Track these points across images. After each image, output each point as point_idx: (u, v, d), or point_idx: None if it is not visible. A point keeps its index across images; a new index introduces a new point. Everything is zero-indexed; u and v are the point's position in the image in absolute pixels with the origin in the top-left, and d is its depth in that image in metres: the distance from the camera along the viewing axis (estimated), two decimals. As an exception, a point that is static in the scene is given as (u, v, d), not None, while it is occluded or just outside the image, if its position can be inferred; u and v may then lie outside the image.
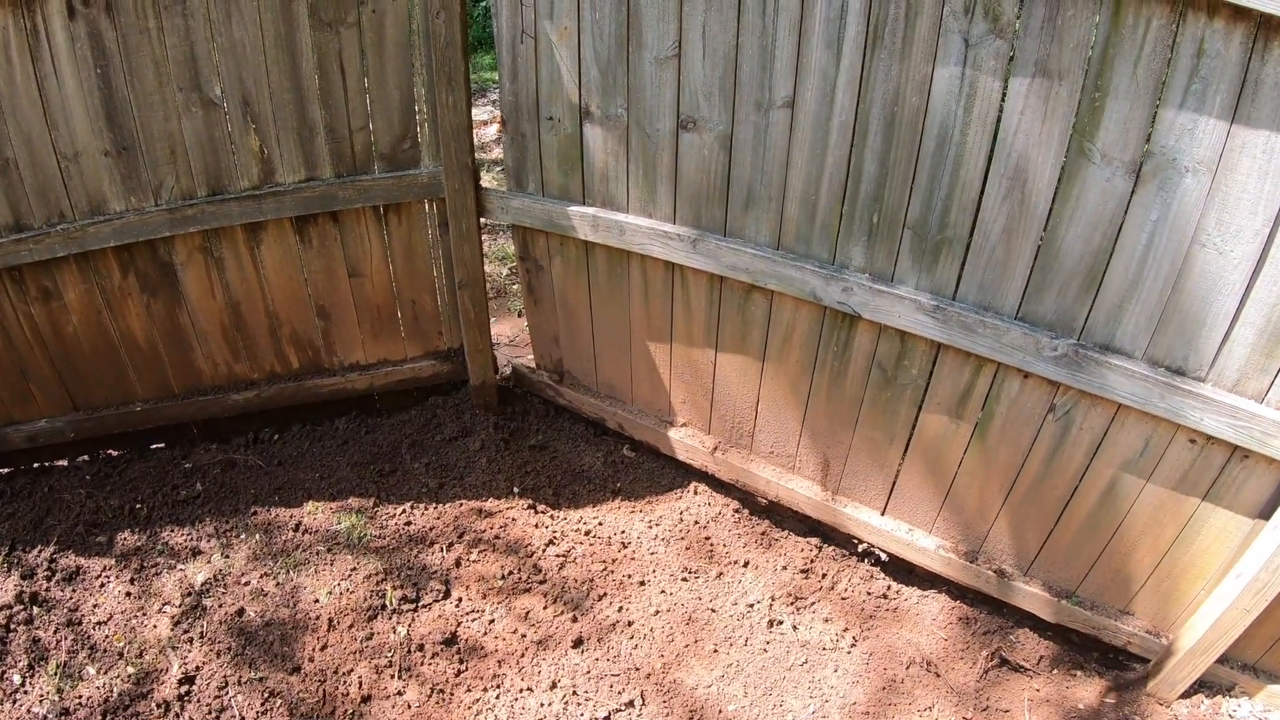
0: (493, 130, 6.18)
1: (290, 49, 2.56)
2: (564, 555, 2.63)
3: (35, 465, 3.17)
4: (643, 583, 2.58)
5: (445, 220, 2.83)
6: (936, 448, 2.44)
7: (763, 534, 2.86)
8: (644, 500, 2.92)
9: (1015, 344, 2.11)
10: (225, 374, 3.05)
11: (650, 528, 2.81)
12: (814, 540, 2.84)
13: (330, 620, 2.40)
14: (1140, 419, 2.08)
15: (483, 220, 2.84)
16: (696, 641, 2.42)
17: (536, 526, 2.73)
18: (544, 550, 2.63)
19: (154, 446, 3.16)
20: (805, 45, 2.10)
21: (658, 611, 2.49)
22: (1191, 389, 1.95)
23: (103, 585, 2.64)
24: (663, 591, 2.56)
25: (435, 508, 2.77)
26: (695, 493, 2.95)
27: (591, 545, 2.70)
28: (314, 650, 2.34)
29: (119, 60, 2.55)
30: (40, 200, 2.70)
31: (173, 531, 2.75)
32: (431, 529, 2.69)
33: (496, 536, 2.67)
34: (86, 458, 3.18)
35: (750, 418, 2.75)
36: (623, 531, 2.78)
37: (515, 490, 2.85)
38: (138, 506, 2.84)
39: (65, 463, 3.18)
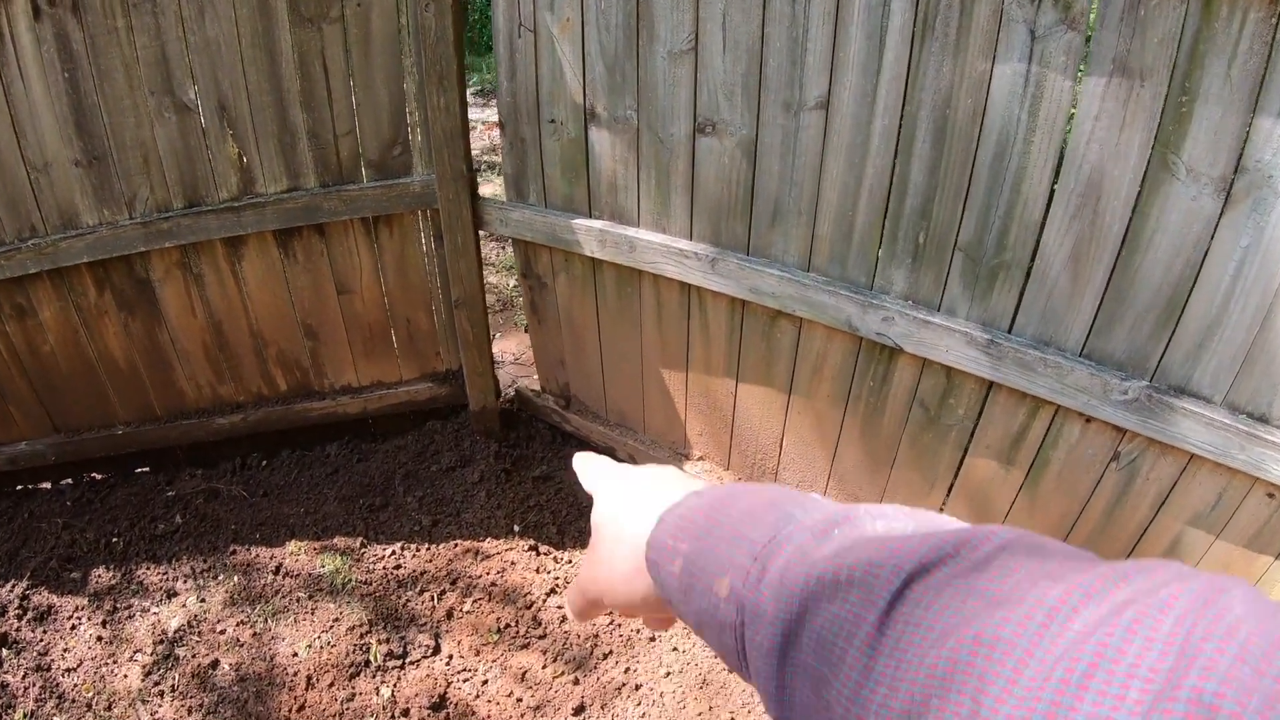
0: (506, 127, 5.94)
1: (268, 47, 2.34)
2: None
3: (19, 488, 3.02)
4: (652, 638, 2.34)
5: (440, 233, 2.60)
6: (983, 494, 2.17)
7: (786, 577, 2.60)
8: (656, 538, 2.68)
9: (1080, 385, 1.83)
10: (209, 396, 2.86)
11: (662, 570, 2.57)
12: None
13: (309, 678, 2.19)
14: (1215, 470, 1.80)
15: (482, 233, 2.61)
16: (711, 708, 2.18)
17: (538, 571, 2.49)
18: (545, 600, 2.40)
19: (138, 470, 2.99)
20: (842, 37, 1.83)
21: (669, 673, 2.25)
22: (1276, 439, 1.67)
23: (74, 627, 2.46)
24: (674, 649, 2.32)
25: (428, 549, 2.55)
26: (712, 530, 2.70)
27: (597, 592, 2.46)
28: (290, 711, 2.13)
29: (87, 63, 2.35)
30: (10, 213, 2.52)
31: (149, 569, 2.56)
32: (423, 573, 2.46)
33: (493, 583, 2.44)
34: (70, 481, 3.02)
35: (774, 454, 2.49)
36: (632, 575, 2.54)
37: (516, 529, 2.62)
38: (114, 540, 2.66)
39: (49, 485, 3.02)
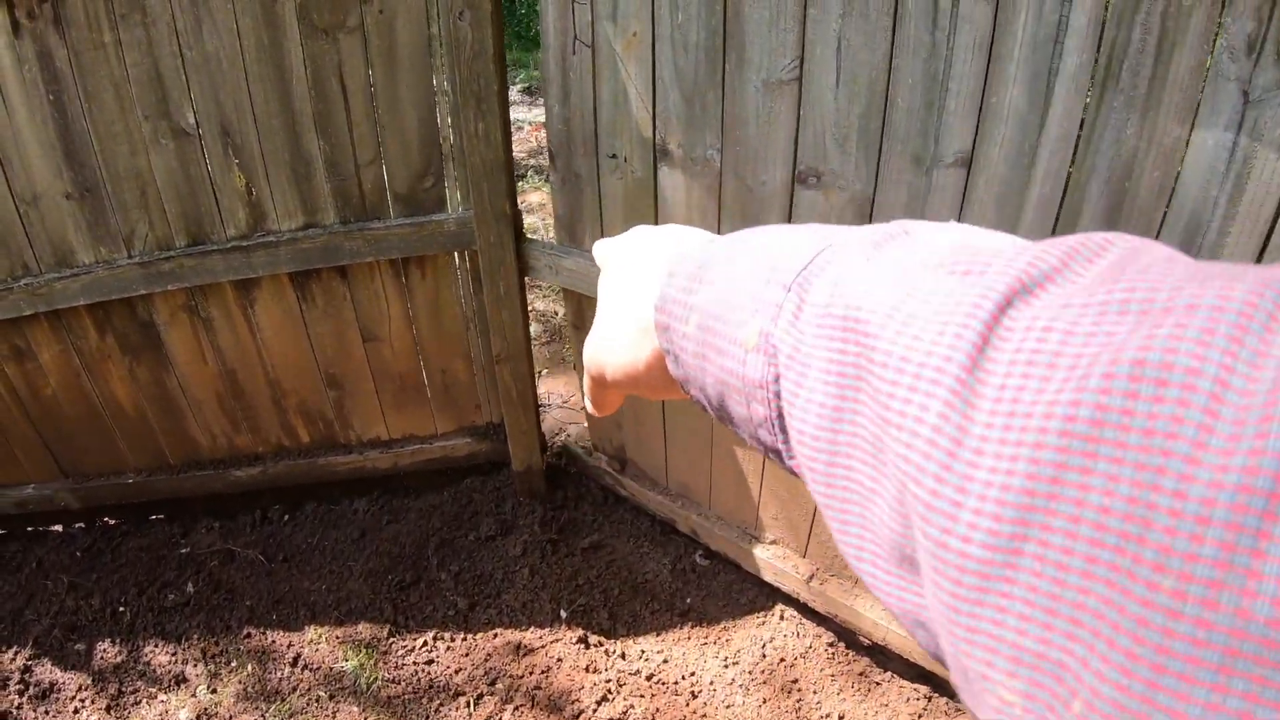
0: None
1: (276, 62, 1.98)
2: (619, 719, 2.09)
3: (29, 529, 2.81)
4: (719, 762, 2.03)
5: (479, 276, 2.24)
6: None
7: (861, 675, 2.26)
8: (719, 626, 2.35)
9: None
10: (225, 446, 2.57)
11: (726, 667, 2.24)
12: (923, 689, 2.22)
13: (328, 803, 1.93)
14: None
15: (527, 280, 2.24)
16: None
17: (587, 669, 2.18)
18: (595, 710, 2.09)
19: (154, 517, 2.74)
20: (996, 77, 1.40)
21: (739, 814, 1.94)
22: None
23: (77, 711, 2.23)
24: (745, 776, 2.00)
25: (463, 639, 2.25)
26: (781, 618, 2.36)
27: (654, 698, 2.14)
28: (307, 843, 1.88)
29: (73, 83, 2.01)
30: (1, 251, 2.23)
31: (156, 647, 2.31)
32: (457, 672, 2.17)
33: (537, 686, 2.14)
34: (82, 525, 2.79)
35: (865, 549, 2.12)
36: (693, 673, 2.22)
37: (563, 614, 2.31)
38: (121, 610, 2.42)
39: (60, 529, 2.80)
